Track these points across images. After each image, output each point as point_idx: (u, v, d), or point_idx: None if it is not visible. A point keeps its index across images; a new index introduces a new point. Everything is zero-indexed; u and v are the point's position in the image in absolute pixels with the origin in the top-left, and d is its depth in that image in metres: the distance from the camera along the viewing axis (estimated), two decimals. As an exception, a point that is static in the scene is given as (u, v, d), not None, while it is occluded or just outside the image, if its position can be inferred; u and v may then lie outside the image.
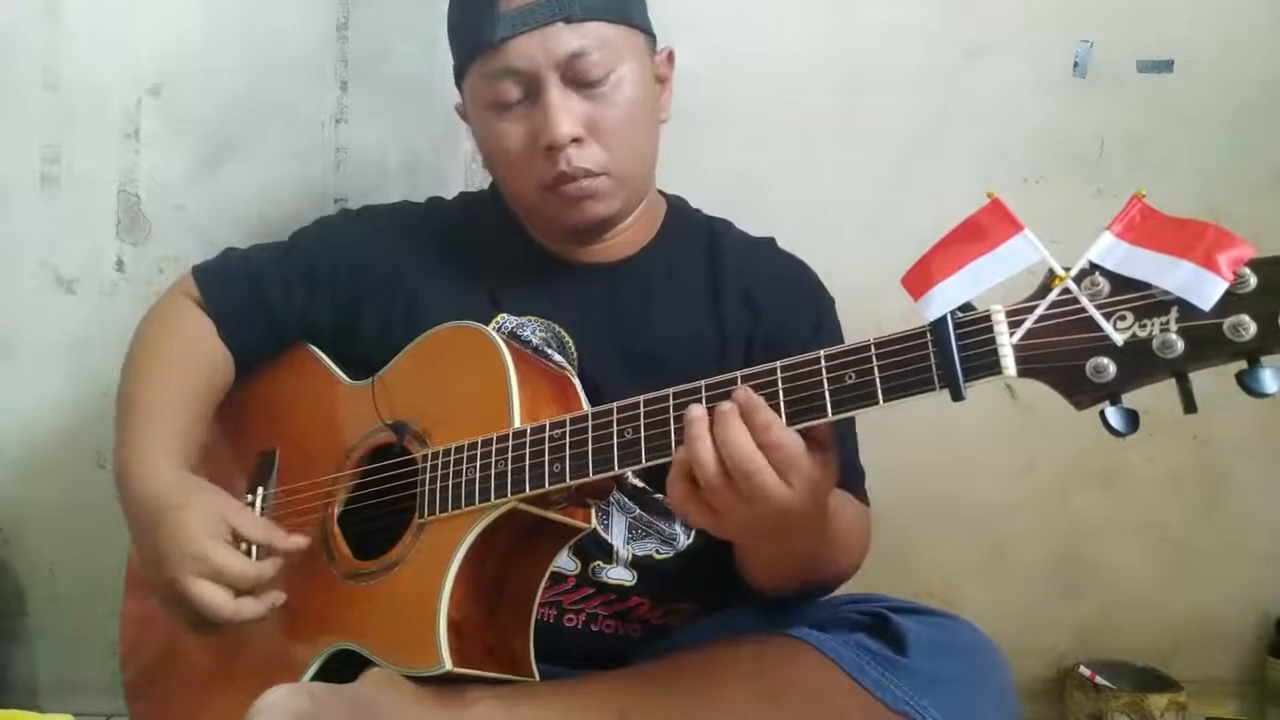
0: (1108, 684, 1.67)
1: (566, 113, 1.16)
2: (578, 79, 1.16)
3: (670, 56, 1.29)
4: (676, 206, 1.36)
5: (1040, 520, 1.74)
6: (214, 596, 1.07)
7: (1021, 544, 1.75)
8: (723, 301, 1.26)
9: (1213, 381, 0.79)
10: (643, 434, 0.97)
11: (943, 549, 1.75)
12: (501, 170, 1.25)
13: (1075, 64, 1.62)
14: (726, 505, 0.90)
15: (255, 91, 1.60)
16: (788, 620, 1.11)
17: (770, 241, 1.37)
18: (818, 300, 1.33)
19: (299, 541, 1.14)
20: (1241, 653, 1.78)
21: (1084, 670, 1.71)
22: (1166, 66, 1.62)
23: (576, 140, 1.16)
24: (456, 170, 1.62)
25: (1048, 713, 1.76)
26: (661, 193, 1.36)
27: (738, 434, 0.89)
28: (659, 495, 1.19)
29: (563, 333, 1.23)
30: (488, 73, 1.18)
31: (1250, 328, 0.73)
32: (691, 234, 1.33)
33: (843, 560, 1.16)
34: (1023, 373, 0.81)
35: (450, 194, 1.44)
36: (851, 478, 1.23)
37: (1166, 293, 0.76)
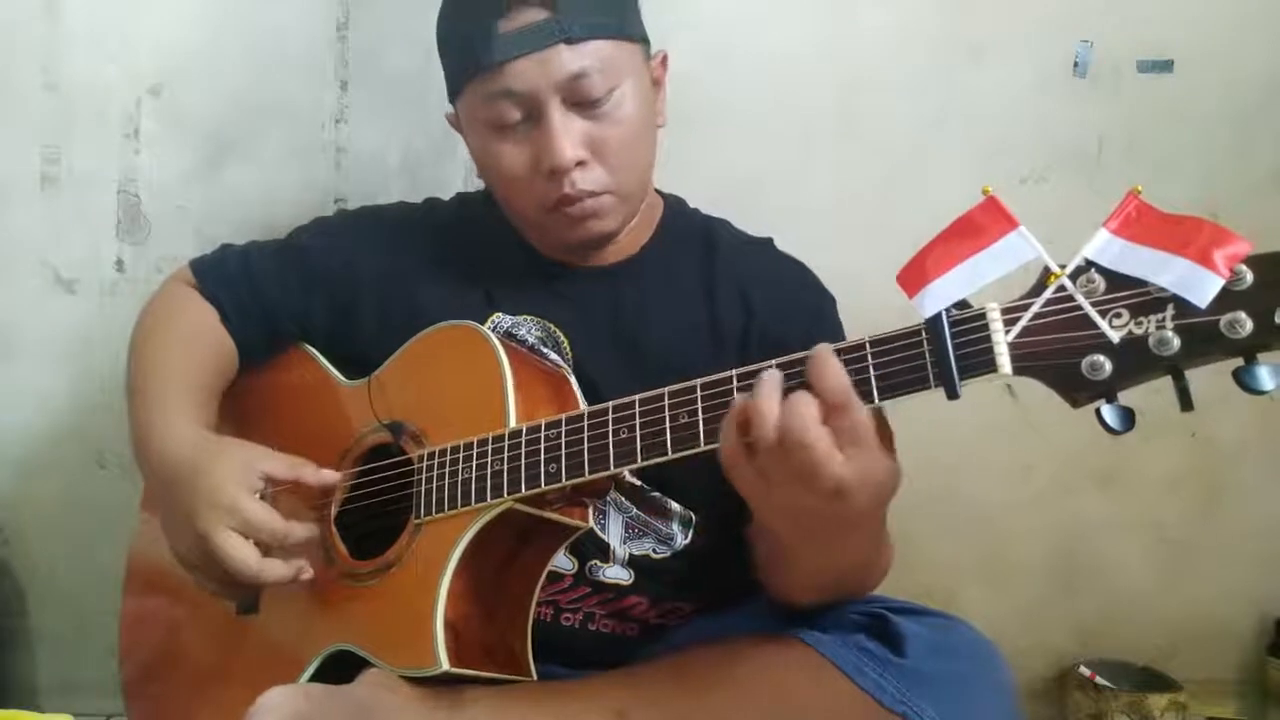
0: (1108, 684, 1.67)
1: (569, 136, 1.13)
2: (579, 100, 1.14)
3: (664, 60, 1.27)
4: (673, 206, 1.36)
5: (1040, 520, 1.74)
6: (241, 550, 1.05)
7: (1021, 544, 1.75)
8: (717, 301, 1.26)
9: (1211, 381, 0.79)
10: (638, 433, 0.97)
11: (942, 549, 1.75)
12: (501, 189, 1.24)
13: (1075, 64, 1.62)
14: (779, 477, 0.86)
15: (255, 91, 1.60)
16: (786, 621, 1.10)
17: (768, 242, 1.36)
18: (815, 300, 1.31)
19: (329, 476, 1.14)
20: (1241, 653, 1.79)
21: (1084, 670, 1.71)
22: (1166, 66, 1.62)
23: (580, 163, 1.15)
24: (456, 170, 1.62)
25: (1048, 713, 1.77)
26: (658, 192, 1.36)
27: (807, 405, 0.84)
28: (656, 493, 1.19)
29: (558, 332, 1.23)
30: (486, 94, 1.16)
31: (1247, 324, 0.73)
32: (688, 234, 1.33)
33: (880, 567, 1.11)
34: (1018, 371, 0.81)
35: (450, 194, 1.44)
36: None
37: (1163, 290, 0.76)
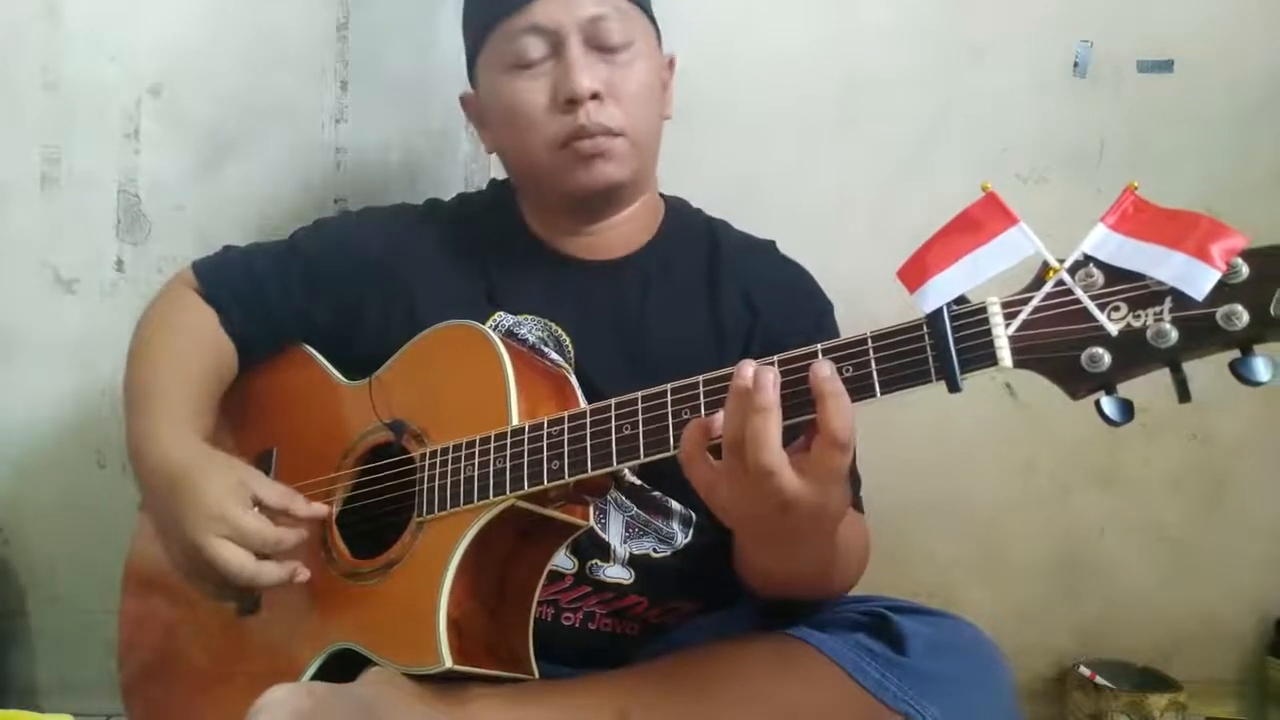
0: (1108, 684, 1.67)
1: (589, 68, 1.20)
2: (598, 42, 1.21)
3: (671, 63, 1.31)
4: (676, 207, 1.37)
5: (1040, 520, 1.74)
6: (236, 556, 1.06)
7: (1021, 544, 1.75)
8: (720, 301, 1.26)
9: (1211, 381, 0.79)
10: (641, 430, 0.97)
11: (942, 548, 1.75)
12: (516, 133, 1.26)
13: (1075, 64, 1.63)
14: (735, 483, 0.89)
15: (255, 91, 1.61)
16: (787, 620, 1.10)
17: (770, 244, 1.37)
18: (816, 303, 1.32)
19: (318, 509, 1.14)
20: (1241, 653, 1.79)
21: (1084, 670, 1.71)
22: (1166, 66, 1.63)
23: (596, 97, 1.19)
24: (456, 170, 1.63)
25: (1048, 713, 1.76)
26: (661, 195, 1.37)
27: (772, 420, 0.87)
28: (656, 492, 1.19)
29: (560, 331, 1.23)
30: (511, 32, 1.22)
31: (1243, 316, 0.74)
32: (690, 234, 1.34)
33: (841, 576, 1.13)
34: (1018, 364, 0.81)
35: (449, 194, 1.44)
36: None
37: (1160, 283, 0.76)
